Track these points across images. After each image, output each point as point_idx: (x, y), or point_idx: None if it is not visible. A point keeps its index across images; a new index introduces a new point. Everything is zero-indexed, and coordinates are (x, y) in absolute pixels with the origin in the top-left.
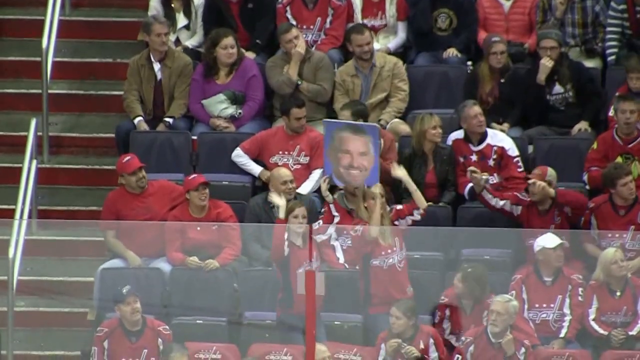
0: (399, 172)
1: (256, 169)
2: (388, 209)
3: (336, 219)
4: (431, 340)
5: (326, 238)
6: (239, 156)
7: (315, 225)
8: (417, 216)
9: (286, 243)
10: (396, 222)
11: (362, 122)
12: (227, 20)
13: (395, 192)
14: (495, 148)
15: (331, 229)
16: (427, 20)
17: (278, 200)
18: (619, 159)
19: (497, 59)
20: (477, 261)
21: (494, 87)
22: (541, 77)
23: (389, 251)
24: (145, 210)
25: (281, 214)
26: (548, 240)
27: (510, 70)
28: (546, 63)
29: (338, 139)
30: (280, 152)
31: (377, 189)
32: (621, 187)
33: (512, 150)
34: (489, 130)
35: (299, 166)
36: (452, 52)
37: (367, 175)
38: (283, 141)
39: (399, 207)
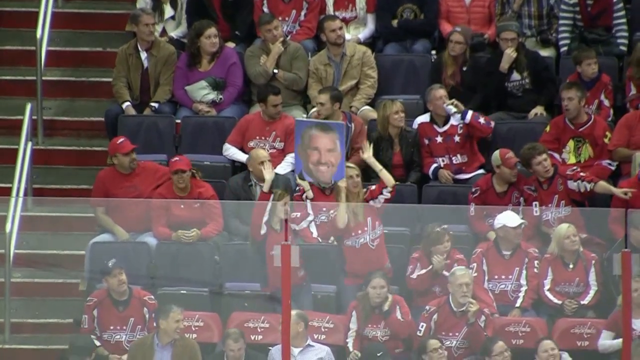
0: (366, 154)
1: (243, 157)
2: (364, 189)
3: (310, 195)
4: (397, 307)
5: (304, 227)
6: (227, 149)
7: (293, 215)
8: (386, 194)
9: (264, 224)
10: (371, 202)
11: (329, 121)
12: (209, 13)
13: (364, 173)
14: (460, 125)
15: (309, 219)
16: (390, 18)
17: (266, 173)
18: (571, 143)
19: (451, 46)
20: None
21: (456, 72)
22: (504, 65)
23: (359, 232)
24: (132, 188)
25: (265, 188)
26: (509, 219)
27: (472, 60)
28: (510, 53)
29: (307, 137)
30: (257, 138)
31: (344, 183)
32: (536, 166)
33: (476, 116)
34: None
35: (274, 151)
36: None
37: (334, 171)
38: (260, 127)
39: (372, 187)
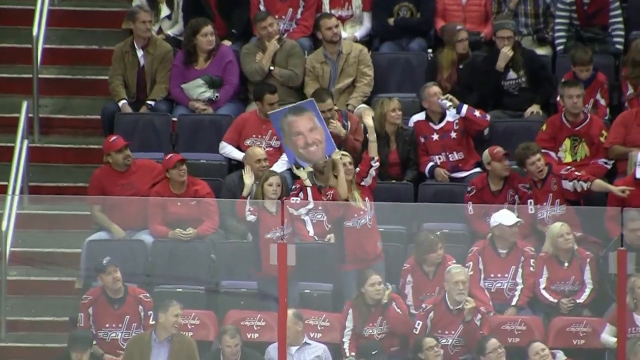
0: (368, 120)
1: (239, 155)
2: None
3: (308, 190)
4: (394, 303)
5: (303, 214)
6: (223, 147)
7: (293, 200)
8: (375, 164)
9: (248, 212)
10: (362, 183)
11: (299, 101)
12: (205, 11)
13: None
14: (456, 121)
15: (309, 206)
16: (386, 17)
17: (247, 178)
18: (567, 142)
19: (463, 45)
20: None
21: (452, 73)
22: (501, 64)
23: (361, 212)
24: (128, 186)
25: (244, 192)
26: (505, 217)
27: (469, 58)
28: (507, 52)
29: (286, 125)
30: (254, 136)
31: (339, 155)
32: (530, 166)
33: (472, 109)
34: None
35: (270, 149)
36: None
37: (324, 147)
38: (256, 125)
39: (357, 169)
